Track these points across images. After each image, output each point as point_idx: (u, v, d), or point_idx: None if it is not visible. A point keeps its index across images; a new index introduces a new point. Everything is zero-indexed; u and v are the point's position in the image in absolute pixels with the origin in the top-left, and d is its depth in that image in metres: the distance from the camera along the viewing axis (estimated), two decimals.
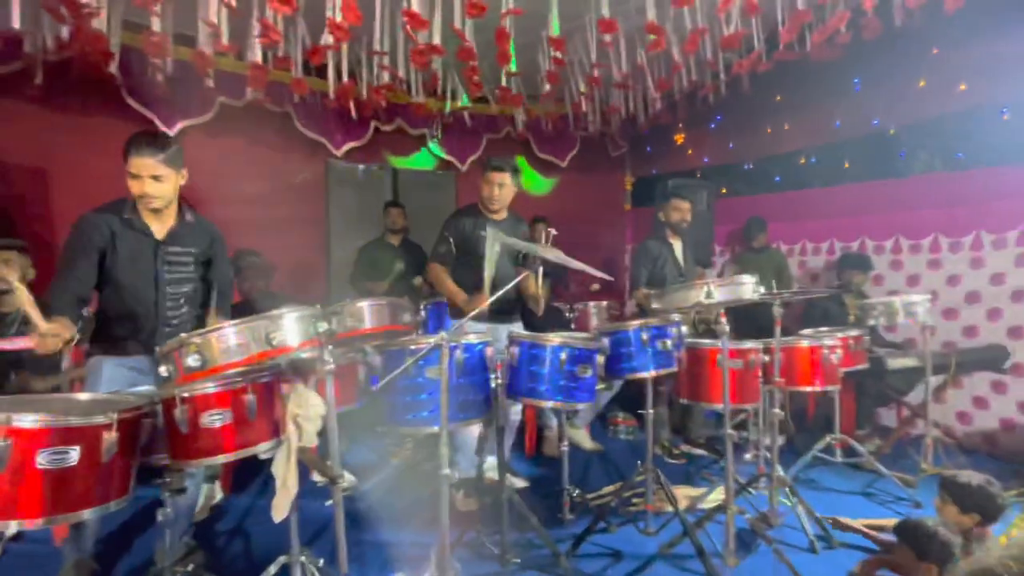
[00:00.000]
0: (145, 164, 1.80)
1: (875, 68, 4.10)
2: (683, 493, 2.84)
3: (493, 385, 1.87)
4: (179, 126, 4.22)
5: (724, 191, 5.39)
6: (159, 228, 1.93)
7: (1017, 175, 3.57)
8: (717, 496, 2.63)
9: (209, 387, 1.35)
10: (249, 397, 1.34)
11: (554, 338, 1.84)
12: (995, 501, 1.99)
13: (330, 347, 1.25)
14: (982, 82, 3.64)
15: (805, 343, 2.54)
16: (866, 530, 2.31)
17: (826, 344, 2.53)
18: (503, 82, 4.07)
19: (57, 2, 2.71)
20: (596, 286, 4.39)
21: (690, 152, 5.73)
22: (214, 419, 1.32)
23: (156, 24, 2.95)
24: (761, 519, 2.31)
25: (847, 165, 4.41)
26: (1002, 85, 3.56)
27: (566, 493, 2.29)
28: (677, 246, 3.42)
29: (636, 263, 3.34)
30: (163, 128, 4.17)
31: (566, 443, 2.32)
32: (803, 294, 2.38)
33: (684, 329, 2.32)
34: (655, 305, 2.02)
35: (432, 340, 1.46)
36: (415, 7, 2.57)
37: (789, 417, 3.67)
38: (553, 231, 1.98)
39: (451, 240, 2.64)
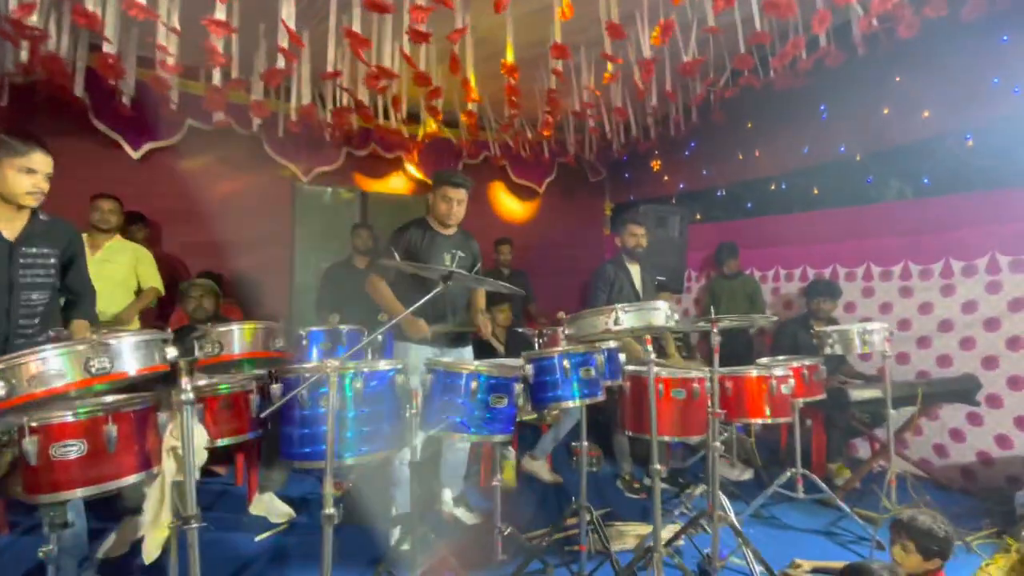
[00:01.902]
0: (46, 161, 1.82)
1: (840, 96, 4.10)
2: (635, 531, 2.70)
3: (407, 415, 1.77)
4: (146, 147, 4.23)
5: (699, 217, 5.35)
6: (9, 229, 1.82)
7: (983, 201, 3.52)
8: (666, 534, 2.48)
9: (68, 416, 1.26)
10: (109, 427, 1.25)
11: (468, 365, 1.75)
12: (952, 541, 1.86)
13: (188, 375, 1.17)
14: (944, 109, 3.63)
15: (754, 373, 2.44)
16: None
17: (775, 374, 2.42)
18: (468, 108, 4.09)
19: (6, 22, 2.72)
20: (562, 314, 4.30)
21: (666, 178, 5.72)
22: (67, 450, 1.23)
23: (108, 46, 2.95)
24: (704, 562, 2.17)
25: (816, 191, 4.38)
26: (964, 112, 3.54)
27: (497, 532, 2.16)
28: (635, 271, 3.35)
29: (593, 287, 3.27)
30: (129, 150, 4.19)
31: (498, 478, 2.19)
32: (740, 320, 2.26)
33: (622, 357, 2.23)
34: (568, 332, 1.94)
35: (315, 367, 1.37)
36: (357, 28, 2.56)
37: (755, 449, 3.55)
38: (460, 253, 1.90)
39: (396, 255, 2.49)
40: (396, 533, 2.47)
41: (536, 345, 4.05)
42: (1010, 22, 3.22)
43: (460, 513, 2.78)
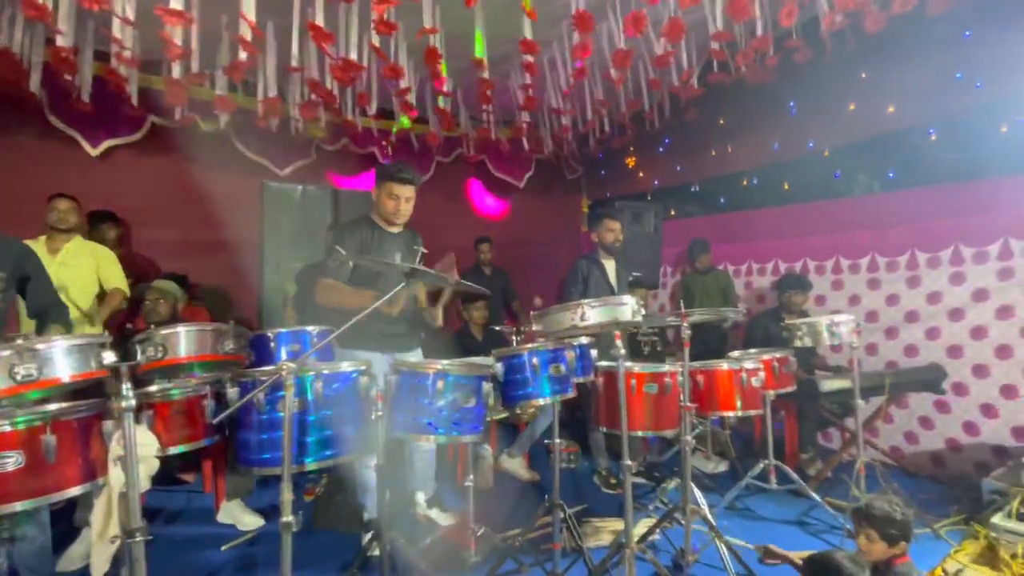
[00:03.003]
0: None
1: (808, 92, 4.16)
2: (611, 527, 2.70)
3: (373, 417, 1.72)
4: (106, 144, 4.08)
5: (673, 213, 5.39)
6: None
7: (946, 194, 3.60)
8: (640, 529, 2.48)
9: (4, 425, 1.18)
10: (47, 437, 1.18)
11: (435, 365, 1.71)
12: (911, 523, 1.88)
13: (128, 380, 1.10)
14: (909, 104, 3.70)
15: (725, 366, 2.45)
16: (796, 560, 2.19)
17: (746, 367, 2.44)
18: (440, 103, 4.05)
19: None
20: (539, 300, 4.27)
21: (641, 175, 5.75)
22: (4, 462, 1.16)
23: (61, 39, 2.83)
24: (678, 555, 2.17)
25: (787, 186, 4.44)
26: (928, 106, 3.62)
27: (471, 533, 2.13)
28: (610, 266, 3.34)
29: (567, 282, 3.27)
30: (88, 147, 4.03)
31: (471, 478, 2.16)
32: (709, 314, 2.27)
33: (594, 353, 2.21)
34: (535, 327, 1.92)
35: (272, 369, 1.32)
36: (320, 19, 2.50)
37: (729, 441, 3.58)
38: (422, 249, 1.86)
39: (344, 255, 2.27)
40: (367, 538, 2.42)
41: (514, 342, 4.03)
42: (973, 17, 3.29)
43: (434, 514, 2.74)
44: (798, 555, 2.28)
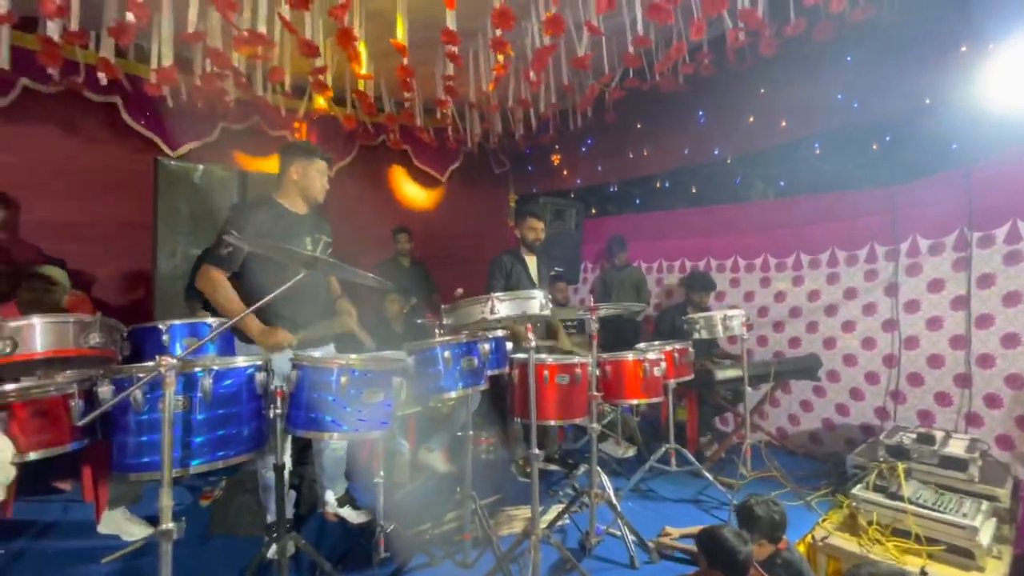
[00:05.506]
0: None
1: (715, 103, 4.48)
2: (524, 515, 2.77)
3: (272, 415, 1.64)
4: None
5: (594, 211, 5.59)
6: None
7: (826, 202, 4.03)
8: (551, 515, 2.57)
9: None
10: None
11: (340, 360, 1.66)
12: (786, 517, 2.12)
13: None
14: (798, 119, 4.09)
15: (630, 357, 2.60)
16: (682, 546, 2.37)
17: (649, 358, 2.60)
18: (360, 86, 3.89)
19: None
20: (460, 291, 4.29)
21: (565, 173, 5.90)
22: None
23: None
24: (584, 538, 2.27)
25: (694, 190, 4.75)
26: (814, 122, 4.02)
27: (380, 530, 2.09)
28: (531, 262, 3.41)
29: (490, 275, 3.29)
30: None
31: (380, 474, 2.13)
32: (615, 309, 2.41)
33: (509, 346, 2.25)
34: (446, 321, 1.93)
35: (150, 366, 1.22)
36: None
37: (637, 427, 3.80)
38: (326, 238, 1.80)
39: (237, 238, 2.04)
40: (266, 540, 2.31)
41: (437, 335, 4.00)
42: (854, 45, 3.68)
43: (346, 513, 2.66)
44: (681, 532, 2.48)
